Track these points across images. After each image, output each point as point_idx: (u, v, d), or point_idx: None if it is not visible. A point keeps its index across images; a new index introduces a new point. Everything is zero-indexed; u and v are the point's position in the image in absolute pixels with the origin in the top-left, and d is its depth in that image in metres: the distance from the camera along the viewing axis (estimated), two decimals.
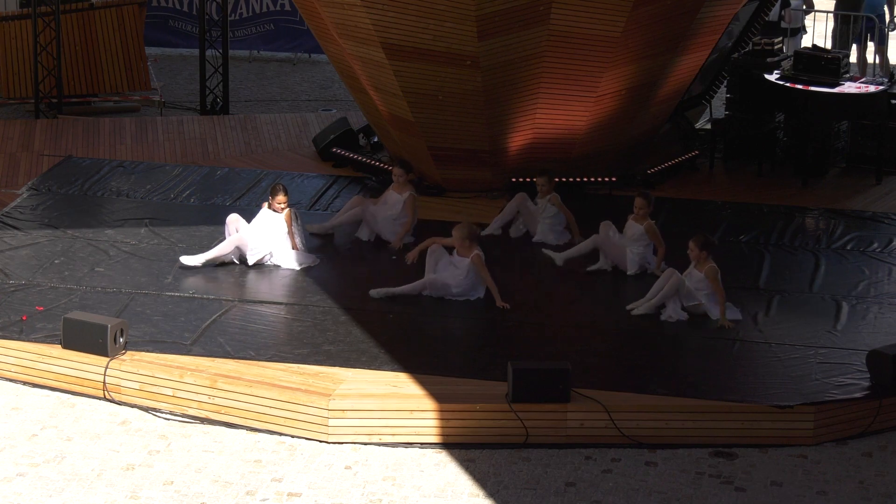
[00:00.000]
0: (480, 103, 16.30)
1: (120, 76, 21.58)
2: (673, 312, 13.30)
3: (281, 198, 14.66)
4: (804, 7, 23.03)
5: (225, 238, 14.61)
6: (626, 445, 11.42)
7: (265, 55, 25.02)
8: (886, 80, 18.27)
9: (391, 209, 15.37)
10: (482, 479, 10.93)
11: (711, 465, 11.20)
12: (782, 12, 21.28)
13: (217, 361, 12.29)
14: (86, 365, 12.21)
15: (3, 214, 16.01)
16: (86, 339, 12.25)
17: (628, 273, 14.43)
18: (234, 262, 14.58)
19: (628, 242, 14.49)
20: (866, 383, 11.98)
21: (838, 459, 11.32)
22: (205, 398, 11.84)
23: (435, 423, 11.47)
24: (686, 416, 11.57)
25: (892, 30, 23.26)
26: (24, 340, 12.61)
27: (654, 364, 12.52)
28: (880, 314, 13.64)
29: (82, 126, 19.72)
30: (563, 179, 16.49)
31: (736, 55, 18.71)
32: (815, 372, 12.23)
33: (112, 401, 12.08)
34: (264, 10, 24.49)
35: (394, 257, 15.01)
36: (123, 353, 12.31)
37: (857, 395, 11.82)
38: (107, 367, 12.11)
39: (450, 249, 13.85)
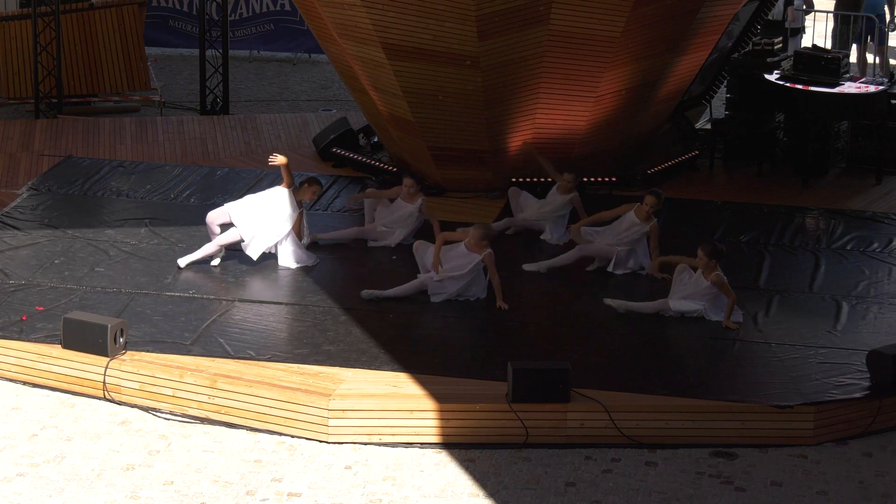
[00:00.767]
0: (480, 103, 16.30)
1: (120, 76, 21.58)
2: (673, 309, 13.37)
3: (317, 188, 14.68)
4: (804, 7, 23.04)
5: (211, 238, 14.56)
6: (626, 445, 11.42)
7: (265, 55, 25.01)
8: (886, 80, 18.27)
9: (401, 218, 15.26)
10: (482, 479, 10.93)
11: (711, 465, 11.20)
12: (785, 11, 21.27)
13: (217, 361, 12.29)
14: (86, 365, 12.21)
15: (3, 214, 16.02)
16: (86, 339, 12.25)
17: (616, 272, 14.48)
18: (235, 257, 14.50)
19: (625, 237, 14.49)
20: (866, 383, 11.99)
21: (838, 459, 11.32)
22: (205, 398, 11.84)
23: (435, 423, 11.47)
24: (686, 416, 11.57)
25: (892, 30, 23.26)
26: (24, 340, 12.61)
27: (654, 364, 12.52)
28: (880, 314, 13.64)
29: (82, 126, 19.72)
30: None
31: (736, 55, 18.71)
32: (815, 372, 12.24)
33: (112, 401, 12.09)
34: (264, 10, 24.48)
35: (394, 257, 15.01)
36: (123, 353, 12.31)
37: (857, 395, 11.82)
38: (107, 367, 12.11)
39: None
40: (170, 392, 11.94)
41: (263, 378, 11.95)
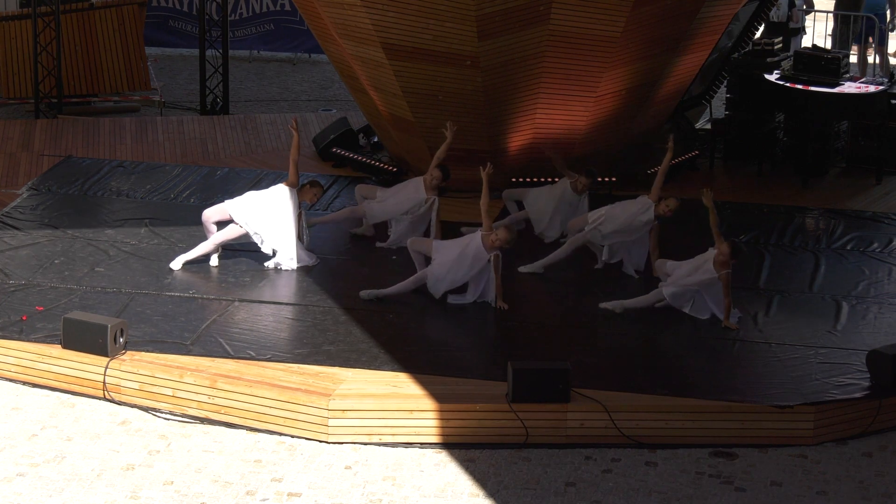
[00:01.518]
0: (480, 103, 16.30)
1: (120, 76, 21.57)
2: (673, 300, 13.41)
3: (318, 191, 14.67)
4: (804, 7, 23.05)
5: (208, 236, 14.57)
6: (626, 445, 11.42)
7: (265, 55, 25.02)
8: (886, 80, 18.27)
9: (409, 201, 15.20)
10: (482, 479, 10.93)
11: (711, 465, 11.20)
12: (790, 12, 21.27)
13: (217, 361, 12.29)
14: (86, 365, 12.20)
15: (3, 214, 16.02)
16: (86, 339, 12.25)
17: (610, 261, 14.53)
18: (234, 257, 14.52)
19: (632, 230, 14.51)
20: (866, 383, 11.99)
21: (838, 459, 11.32)
22: (205, 398, 11.84)
23: (435, 423, 11.47)
24: (686, 416, 11.57)
25: (892, 30, 23.27)
26: (24, 340, 12.60)
27: (654, 364, 12.53)
28: (880, 314, 13.64)
29: (82, 126, 19.72)
30: None
31: (736, 55, 18.71)
32: (815, 372, 12.24)
33: (112, 401, 12.08)
34: (264, 10, 24.49)
35: (394, 258, 15.01)
36: (123, 353, 12.31)
37: (857, 395, 11.82)
38: (107, 367, 12.11)
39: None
40: (170, 392, 11.94)
41: (263, 378, 11.95)
